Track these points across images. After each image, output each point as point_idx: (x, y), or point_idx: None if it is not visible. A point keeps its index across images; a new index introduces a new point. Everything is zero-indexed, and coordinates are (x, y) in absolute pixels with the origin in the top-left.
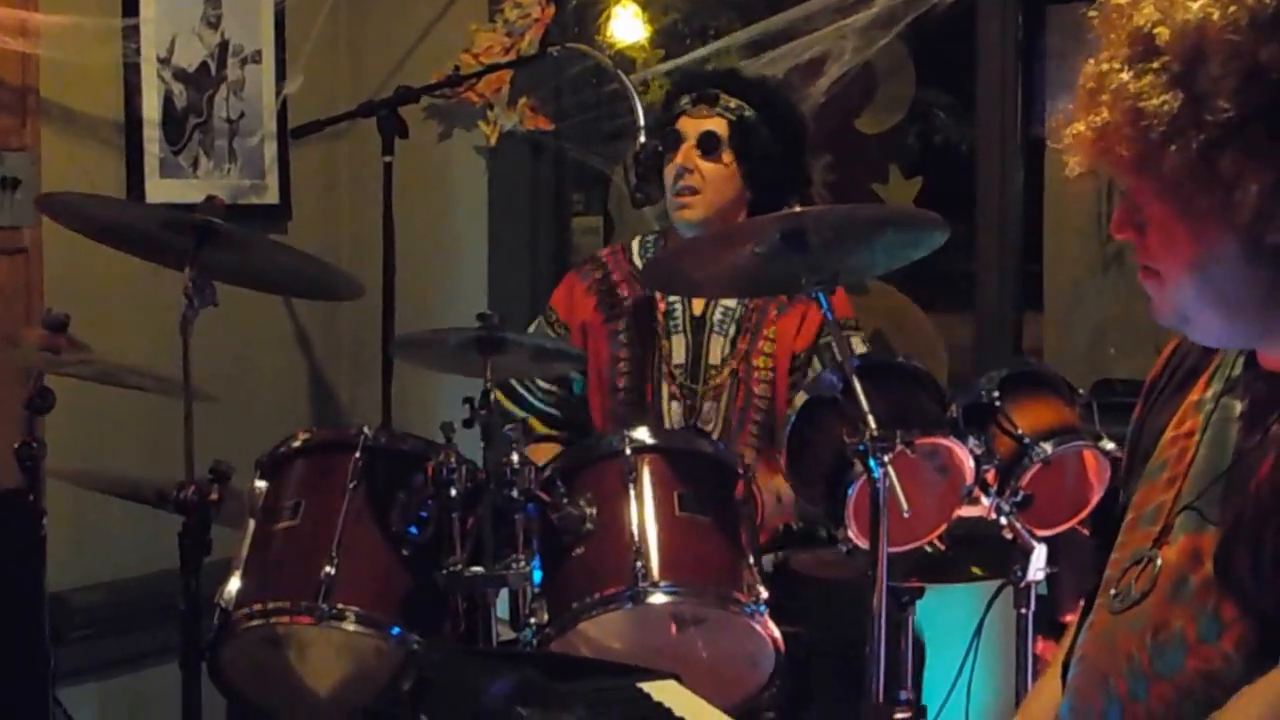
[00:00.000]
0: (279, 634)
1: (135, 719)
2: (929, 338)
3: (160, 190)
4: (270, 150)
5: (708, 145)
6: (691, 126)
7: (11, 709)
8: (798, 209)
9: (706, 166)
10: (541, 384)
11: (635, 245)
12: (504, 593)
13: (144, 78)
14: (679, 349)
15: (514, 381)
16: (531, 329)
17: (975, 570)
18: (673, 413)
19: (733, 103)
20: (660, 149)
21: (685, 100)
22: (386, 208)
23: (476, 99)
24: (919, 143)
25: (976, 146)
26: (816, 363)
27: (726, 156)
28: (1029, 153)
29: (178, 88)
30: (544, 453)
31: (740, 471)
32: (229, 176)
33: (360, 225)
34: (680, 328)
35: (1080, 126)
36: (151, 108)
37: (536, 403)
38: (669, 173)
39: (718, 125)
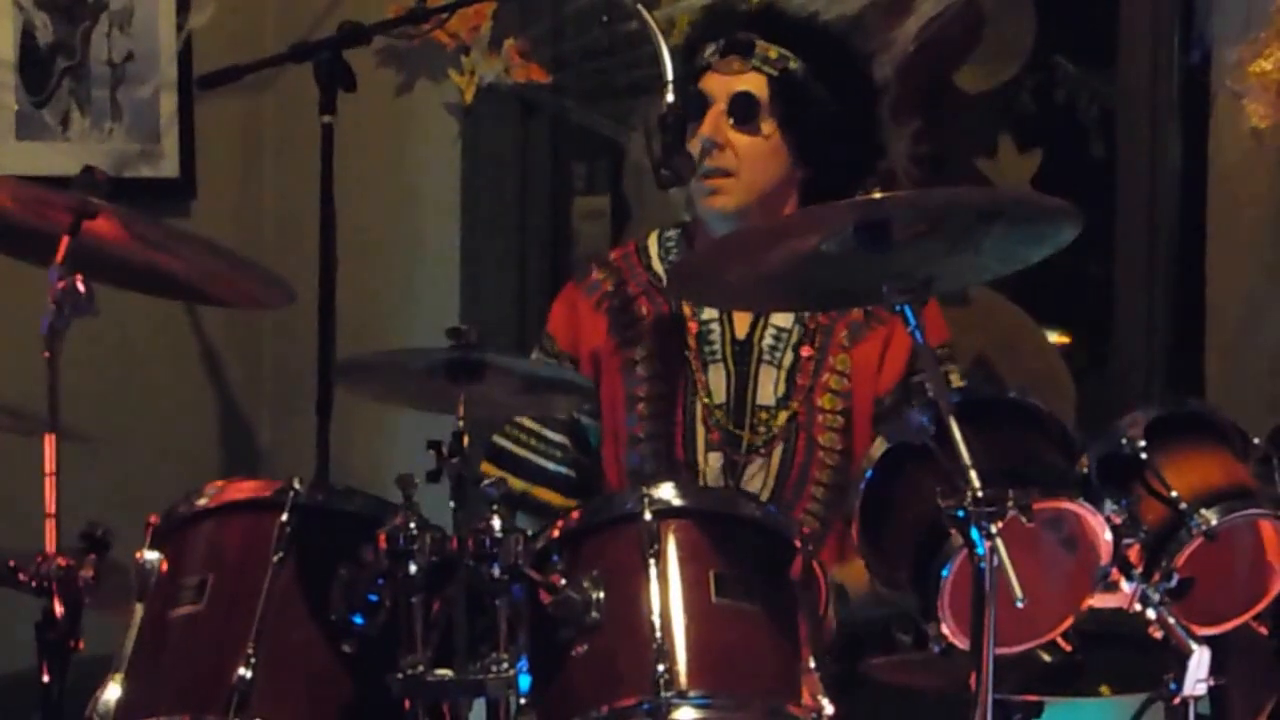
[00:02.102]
0: None
1: None
2: (1051, 366)
3: (17, 157)
4: (168, 105)
5: (742, 111)
6: (720, 86)
7: None
8: (877, 194)
9: (741, 140)
10: (550, 436)
11: (653, 244)
12: (480, 704)
13: None
14: (718, 383)
15: (506, 441)
16: None
17: (1111, 682)
18: (711, 466)
19: (773, 52)
20: (682, 115)
21: (710, 51)
22: (325, 184)
23: (448, 40)
24: (1039, 104)
25: (1117, 108)
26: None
27: (767, 125)
28: (1188, 117)
29: (41, 18)
30: None
31: (797, 544)
32: (112, 139)
33: (290, 207)
34: (719, 355)
35: (1268, 64)
36: (4, 44)
37: (547, 464)
38: (693, 148)
39: (754, 84)
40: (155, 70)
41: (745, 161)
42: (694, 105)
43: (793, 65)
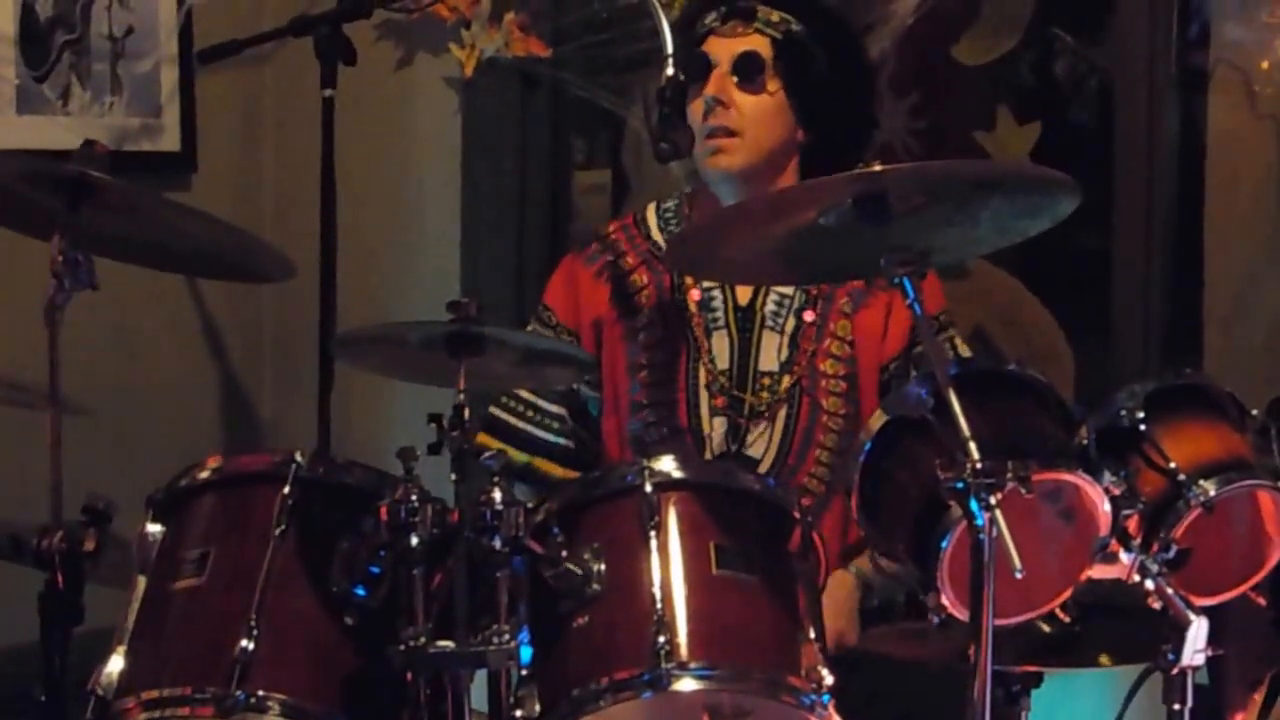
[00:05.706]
0: None
1: None
2: (1050, 339)
3: (17, 131)
4: (169, 79)
5: (747, 69)
6: (723, 48)
7: None
8: (876, 167)
9: (745, 99)
10: (547, 408)
11: (651, 215)
12: (482, 676)
13: None
14: (722, 350)
15: (503, 413)
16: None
17: (1109, 653)
18: (715, 432)
19: (775, 16)
20: (682, 80)
21: (711, 17)
22: (326, 158)
23: (448, 14)
24: (1037, 77)
25: (1115, 81)
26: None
27: (772, 84)
28: (1186, 89)
29: None
30: None
31: (796, 516)
32: (112, 113)
33: (290, 181)
34: (722, 321)
35: None
36: (4, 18)
37: (546, 436)
38: (695, 110)
39: (758, 44)
40: (155, 44)
41: (750, 120)
42: (696, 68)
43: (795, 28)
